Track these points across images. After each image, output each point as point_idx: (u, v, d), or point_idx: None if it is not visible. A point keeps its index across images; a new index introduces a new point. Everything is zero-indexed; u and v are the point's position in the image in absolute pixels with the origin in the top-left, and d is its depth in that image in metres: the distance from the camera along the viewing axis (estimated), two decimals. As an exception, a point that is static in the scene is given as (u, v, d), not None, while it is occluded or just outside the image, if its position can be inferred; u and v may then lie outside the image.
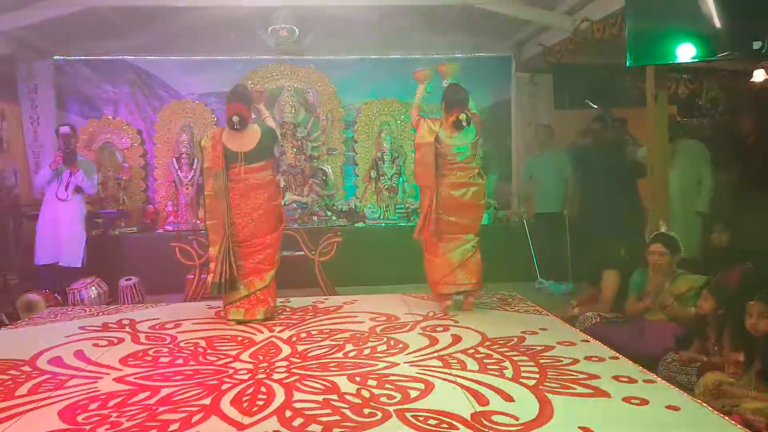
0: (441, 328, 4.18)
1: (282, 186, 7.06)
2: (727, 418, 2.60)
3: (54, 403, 2.91)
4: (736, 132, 5.46)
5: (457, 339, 3.90)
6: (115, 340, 4.06)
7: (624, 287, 4.34)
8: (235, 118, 4.34)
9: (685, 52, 4.32)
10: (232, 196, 4.42)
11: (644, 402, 2.78)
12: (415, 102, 4.89)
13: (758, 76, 7.12)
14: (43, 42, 6.88)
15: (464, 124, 4.49)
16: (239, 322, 4.41)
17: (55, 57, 7.08)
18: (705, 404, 2.76)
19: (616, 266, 4.50)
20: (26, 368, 3.46)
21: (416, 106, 4.85)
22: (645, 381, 3.06)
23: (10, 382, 3.22)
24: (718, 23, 4.21)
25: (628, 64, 4.53)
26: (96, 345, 3.94)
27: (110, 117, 7.23)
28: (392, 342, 3.87)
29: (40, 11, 6.01)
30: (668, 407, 2.72)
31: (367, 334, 4.07)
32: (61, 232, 5.83)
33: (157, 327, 4.42)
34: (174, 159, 7.06)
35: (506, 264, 6.35)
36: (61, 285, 5.74)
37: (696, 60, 4.45)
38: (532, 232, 6.64)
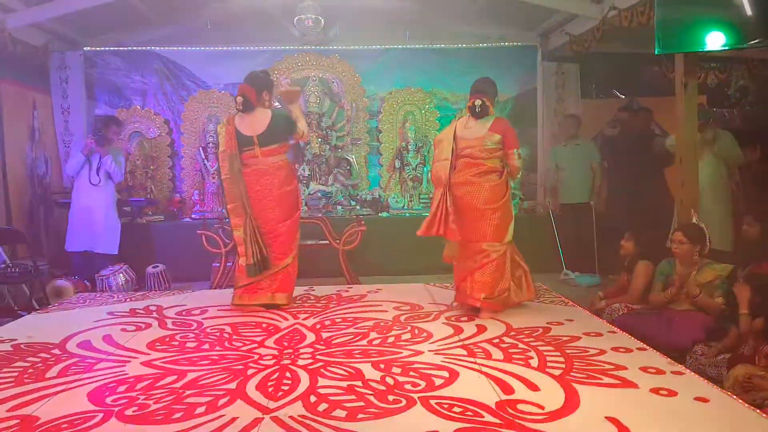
0: (465, 318, 4.16)
1: (307, 175, 7.11)
2: (758, 411, 2.55)
3: (83, 385, 2.97)
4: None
5: (481, 329, 3.88)
6: (143, 326, 4.12)
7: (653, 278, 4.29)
8: (239, 99, 4.34)
9: (715, 40, 4.25)
10: (246, 180, 4.39)
11: (672, 393, 2.74)
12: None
13: (789, 64, 6.99)
14: (74, 33, 7.02)
15: (477, 110, 4.18)
16: (239, 306, 4.44)
17: (85, 48, 7.19)
18: (735, 397, 2.71)
19: (647, 257, 4.44)
20: (56, 351, 3.53)
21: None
22: (673, 372, 3.00)
23: (40, 365, 3.29)
24: (748, 11, 4.12)
25: (657, 52, 4.46)
26: (124, 330, 4.00)
27: (139, 107, 7.34)
28: (416, 330, 3.87)
29: (72, 2, 6.11)
30: (697, 399, 2.67)
31: (391, 323, 4.08)
32: (95, 219, 5.92)
33: (183, 313, 4.47)
34: (201, 148, 7.15)
35: (531, 255, 6.24)
36: (90, 272, 5.85)
37: (726, 48, 4.36)
38: (558, 223, 6.57)
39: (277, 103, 5.11)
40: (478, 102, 4.17)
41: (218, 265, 5.96)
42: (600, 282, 6.00)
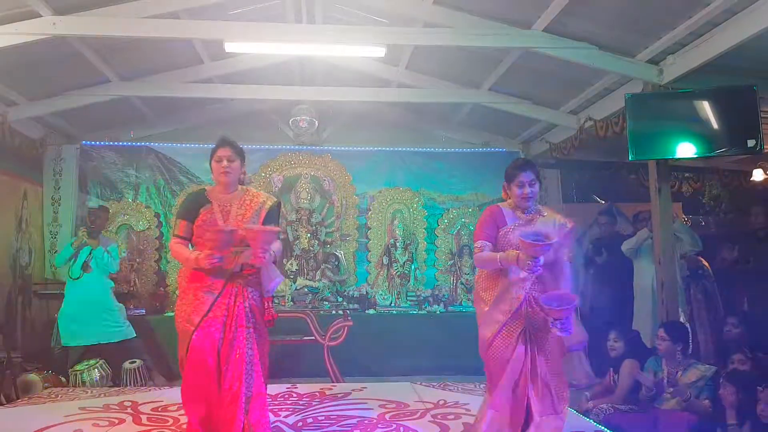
0: (452, 416, 4.09)
1: (294, 270, 7.15)
2: None
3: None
4: (748, 226, 5.56)
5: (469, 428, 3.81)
6: (116, 421, 3.99)
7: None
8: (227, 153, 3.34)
9: (684, 149, 4.55)
10: None
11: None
12: None
13: (757, 175, 7.41)
14: (72, 127, 7.23)
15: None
16: None
17: (83, 142, 7.40)
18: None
19: (633, 356, 4.46)
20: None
21: None
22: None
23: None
24: (713, 123, 4.45)
25: (630, 158, 4.74)
26: (96, 425, 3.88)
27: (130, 200, 7.44)
28: (402, 429, 3.79)
29: (73, 99, 6.36)
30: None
31: (375, 420, 3.99)
32: (98, 310, 5.77)
33: (159, 409, 4.35)
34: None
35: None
36: (65, 366, 5.68)
37: (695, 156, 4.66)
38: (543, 324, 6.56)
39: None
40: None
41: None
42: (587, 383, 5.93)
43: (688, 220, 7.26)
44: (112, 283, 6.12)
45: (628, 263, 5.86)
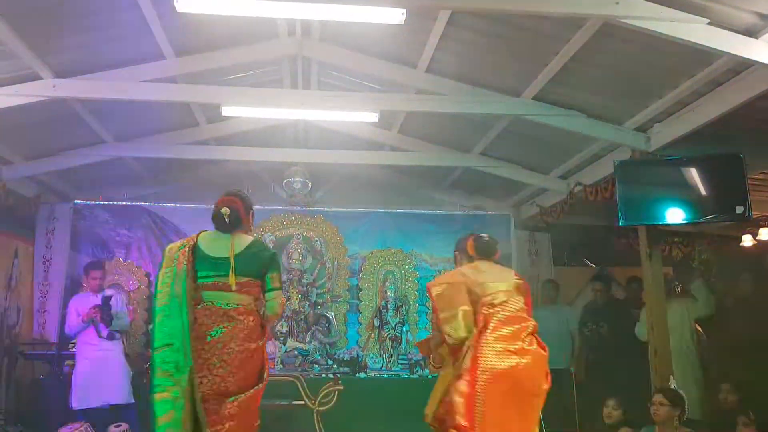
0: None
1: (285, 331, 7.05)
2: None
3: None
4: (737, 293, 5.57)
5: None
6: (99, 489, 3.84)
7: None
8: (225, 210, 3.31)
9: (673, 215, 4.61)
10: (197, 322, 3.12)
11: None
12: None
13: (746, 240, 7.49)
14: (66, 186, 7.25)
15: None
16: None
17: (75, 201, 7.40)
18: None
19: (630, 424, 4.38)
20: None
21: None
22: None
23: None
24: (702, 190, 4.53)
25: (620, 223, 4.79)
26: (78, 494, 3.72)
27: (121, 259, 7.39)
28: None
29: (69, 159, 6.40)
30: None
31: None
32: (110, 371, 5.67)
33: (144, 477, 4.20)
34: (179, 302, 7.10)
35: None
36: (48, 429, 5.51)
37: (684, 222, 4.72)
38: (538, 389, 6.45)
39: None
40: None
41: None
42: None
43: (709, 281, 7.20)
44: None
45: (626, 328, 5.82)
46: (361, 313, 7.49)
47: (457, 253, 3.94)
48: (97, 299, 5.87)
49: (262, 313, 3.29)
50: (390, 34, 4.61)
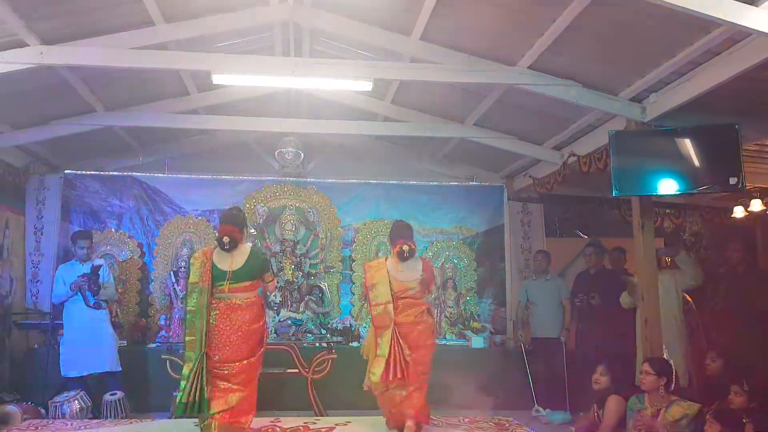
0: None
1: (278, 302, 7.08)
2: None
3: None
4: (727, 262, 5.62)
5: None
6: (96, 456, 3.89)
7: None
8: (226, 239, 4.36)
9: (667, 186, 4.62)
10: (214, 315, 4.32)
11: None
12: None
13: (738, 212, 7.54)
14: (56, 157, 7.17)
15: (405, 254, 4.56)
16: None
17: (66, 171, 7.33)
18: None
19: (619, 392, 4.45)
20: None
21: None
22: None
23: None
24: (696, 161, 4.54)
25: (614, 194, 4.81)
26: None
27: (113, 230, 7.36)
28: (386, 465, 3.73)
29: (58, 128, 6.31)
30: None
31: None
32: (97, 340, 5.75)
33: (140, 444, 4.28)
34: (171, 272, 7.11)
35: (503, 390, 6.24)
36: (45, 398, 5.56)
37: (678, 193, 4.73)
38: (530, 358, 6.56)
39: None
40: (405, 247, 4.59)
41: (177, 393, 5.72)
42: (571, 419, 5.90)
43: (694, 253, 7.26)
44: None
45: (617, 297, 5.87)
46: (353, 283, 7.52)
47: None
48: (84, 268, 5.88)
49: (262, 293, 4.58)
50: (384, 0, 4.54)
